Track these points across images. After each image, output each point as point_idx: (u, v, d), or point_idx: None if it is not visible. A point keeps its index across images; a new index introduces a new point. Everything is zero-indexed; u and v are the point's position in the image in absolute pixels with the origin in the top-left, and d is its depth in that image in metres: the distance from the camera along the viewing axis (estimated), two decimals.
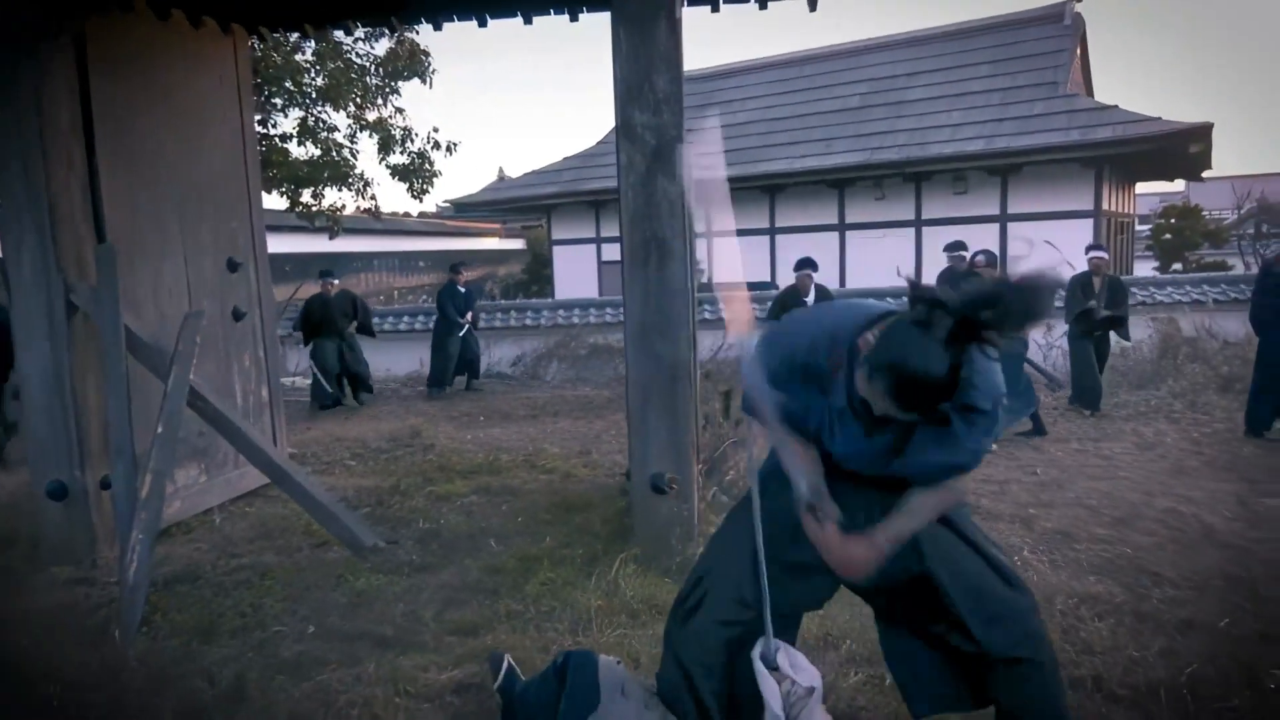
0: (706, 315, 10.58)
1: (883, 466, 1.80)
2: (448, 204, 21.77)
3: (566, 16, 5.08)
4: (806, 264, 7.69)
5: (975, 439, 1.70)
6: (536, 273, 21.43)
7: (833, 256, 14.16)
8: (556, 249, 18.13)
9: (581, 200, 16.95)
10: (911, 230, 14.02)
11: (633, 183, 3.67)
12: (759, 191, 14.92)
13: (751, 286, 2.30)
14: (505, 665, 2.44)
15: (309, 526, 4.51)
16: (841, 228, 14.59)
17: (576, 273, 17.25)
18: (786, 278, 11.00)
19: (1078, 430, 6.69)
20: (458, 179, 79.10)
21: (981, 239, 13.34)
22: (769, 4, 4.75)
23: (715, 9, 4.84)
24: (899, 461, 1.76)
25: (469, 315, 9.85)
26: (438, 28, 5.38)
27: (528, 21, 5.16)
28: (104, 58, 4.31)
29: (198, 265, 4.97)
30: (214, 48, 5.12)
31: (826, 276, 9.91)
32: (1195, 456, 5.76)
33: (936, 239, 12.16)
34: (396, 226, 20.13)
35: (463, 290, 9.93)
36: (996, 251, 8.58)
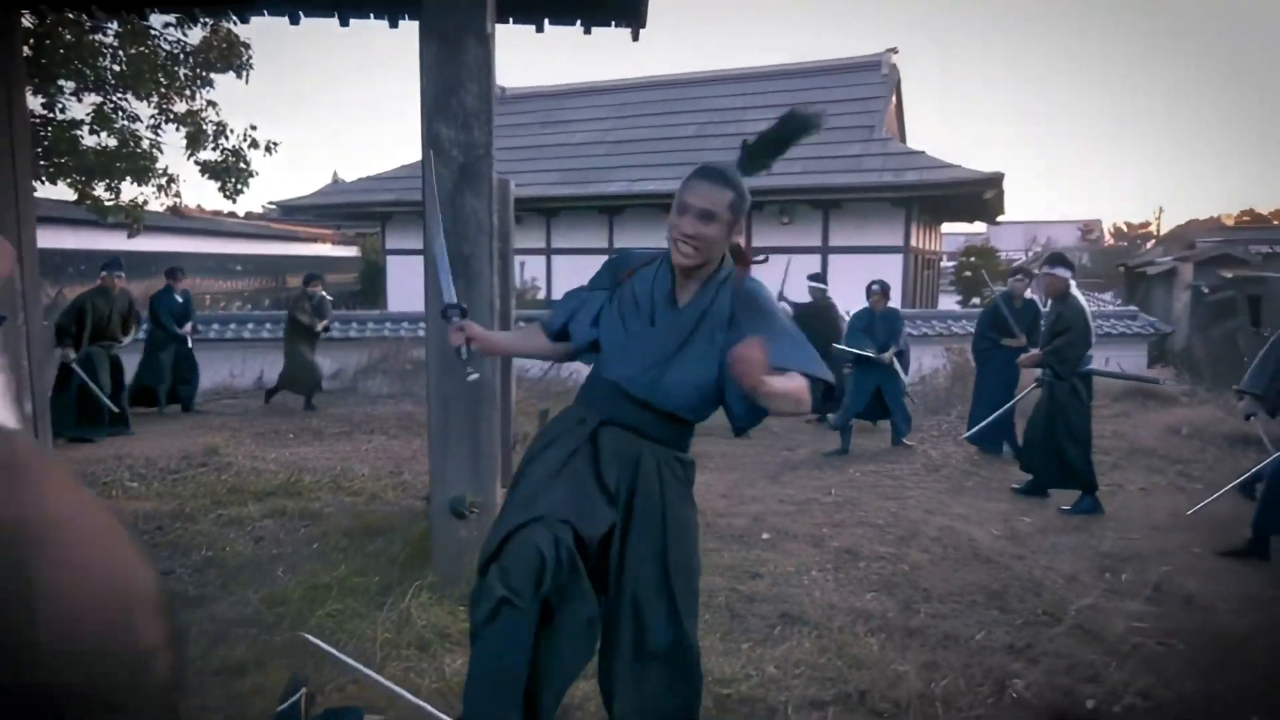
0: None
1: (651, 374, 2.06)
2: (274, 205, 20.60)
3: (386, 22, 4.92)
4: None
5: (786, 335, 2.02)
6: (370, 282, 20.62)
7: None
8: (390, 258, 17.57)
9: (418, 210, 16.41)
10: None
11: (439, 199, 3.58)
12: (597, 212, 15.09)
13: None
14: (299, 697, 2.30)
15: None
16: None
17: (411, 284, 16.73)
18: None
19: (874, 451, 7.14)
20: (289, 181, 75.08)
21: (805, 267, 14.09)
22: (592, 29, 4.79)
23: (540, 29, 4.84)
24: (680, 363, 2.06)
25: (188, 325, 8.89)
26: (244, 20, 5.08)
27: (344, 23, 4.95)
28: None
29: None
30: None
31: None
32: (972, 477, 6.28)
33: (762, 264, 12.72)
34: (213, 227, 18.83)
35: (179, 298, 8.94)
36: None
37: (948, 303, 18.88)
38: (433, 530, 3.79)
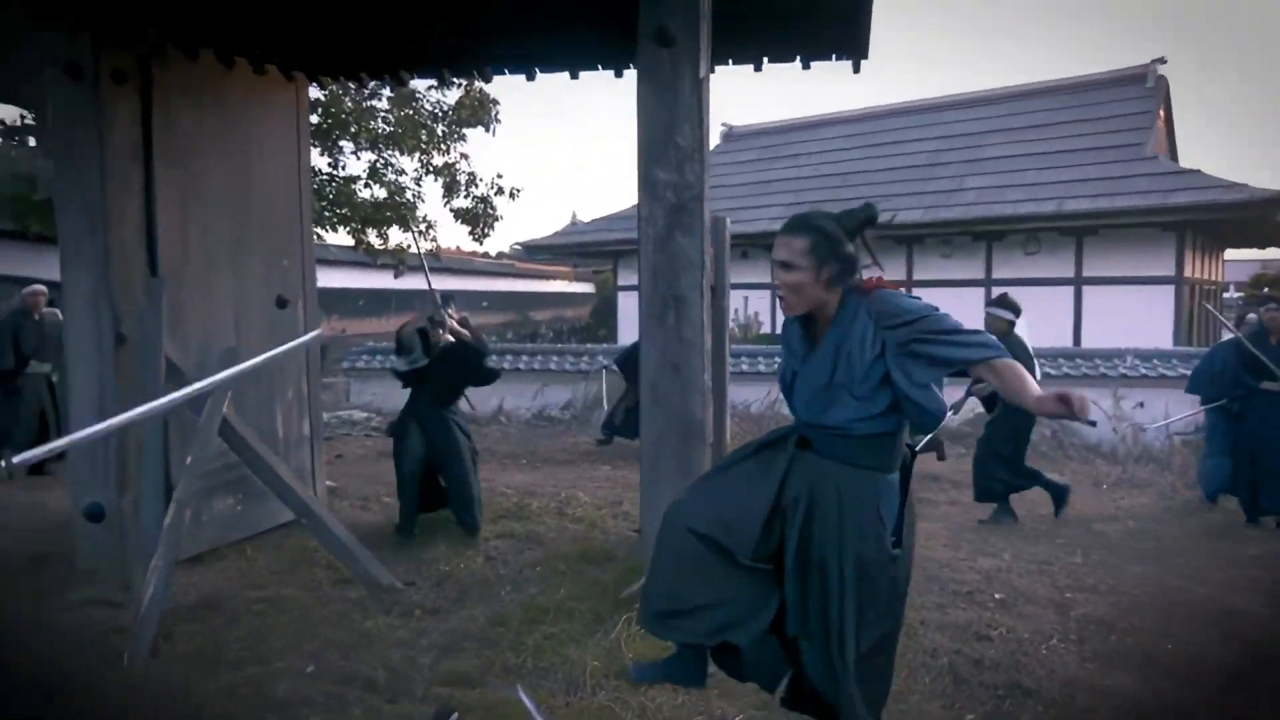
0: (744, 368, 10.56)
1: (820, 406, 2.18)
2: (519, 246, 22.28)
3: (612, 73, 5.18)
4: None
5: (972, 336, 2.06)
6: (604, 317, 21.63)
7: None
8: (622, 295, 18.31)
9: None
10: (980, 289, 13.69)
11: (652, 238, 3.68)
12: None
13: None
14: None
15: (335, 562, 4.56)
16: (909, 284, 14.35)
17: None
18: None
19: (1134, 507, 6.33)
20: (531, 222, 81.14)
21: (1056, 301, 12.89)
22: (811, 64, 4.74)
23: (758, 69, 4.87)
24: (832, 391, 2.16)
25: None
26: (487, 79, 5.55)
27: (574, 76, 5.27)
28: (167, 95, 4.56)
29: (246, 301, 5.16)
30: (276, 92, 5.37)
31: None
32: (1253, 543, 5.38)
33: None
34: (465, 266, 20.62)
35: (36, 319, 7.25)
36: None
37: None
38: (645, 562, 3.83)
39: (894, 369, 2.07)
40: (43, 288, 7.37)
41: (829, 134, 17.45)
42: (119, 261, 4.31)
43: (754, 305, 15.51)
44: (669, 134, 3.55)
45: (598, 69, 5.20)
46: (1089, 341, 12.24)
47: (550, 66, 5.16)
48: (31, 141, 9.96)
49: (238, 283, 5.11)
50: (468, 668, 3.32)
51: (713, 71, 3.85)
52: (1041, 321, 8.75)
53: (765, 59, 4.71)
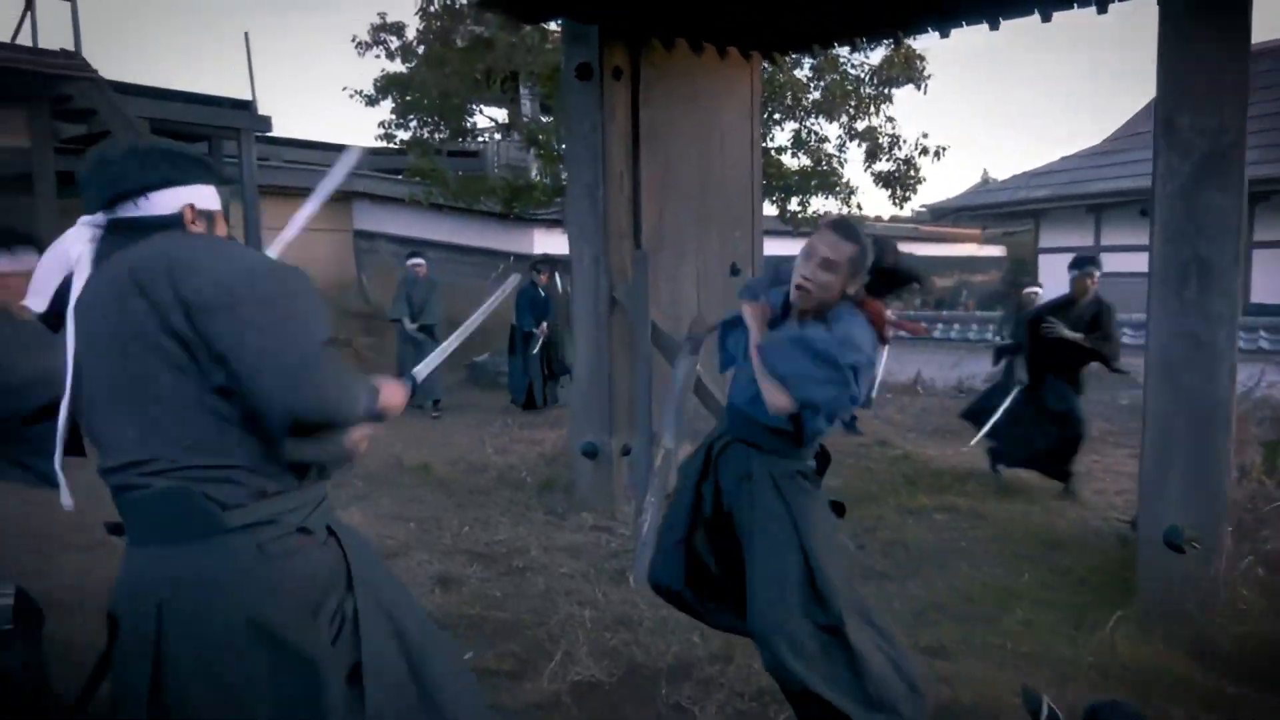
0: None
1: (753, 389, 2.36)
2: (924, 209, 21.31)
3: (1093, 9, 4.63)
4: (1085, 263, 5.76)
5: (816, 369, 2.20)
6: (1016, 283, 19.88)
7: None
8: (1043, 258, 16.64)
9: (1079, 204, 15.30)
10: None
11: (1170, 193, 3.23)
12: None
13: None
14: (1045, 708, 2.40)
15: None
16: None
17: (1065, 284, 15.62)
18: None
19: None
20: (937, 183, 76.70)
21: None
22: None
23: None
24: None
25: (543, 325, 8.59)
26: (945, 35, 5.29)
27: (1045, 19, 4.81)
28: (650, 86, 5.08)
29: (706, 270, 5.60)
30: (736, 72, 5.70)
31: None
32: None
33: None
34: (870, 232, 20.27)
35: (543, 294, 8.74)
36: None
37: None
38: (1140, 559, 3.46)
39: None
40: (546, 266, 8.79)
41: None
42: (614, 236, 4.93)
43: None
44: (1199, 69, 3.07)
45: (1072, 8, 4.69)
46: None
47: (1016, 11, 4.78)
48: (515, 137, 11.83)
49: (700, 253, 5.57)
50: (944, 640, 3.28)
51: None
52: None
53: None
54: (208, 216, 1.64)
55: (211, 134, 12.32)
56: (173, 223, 1.57)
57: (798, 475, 2.40)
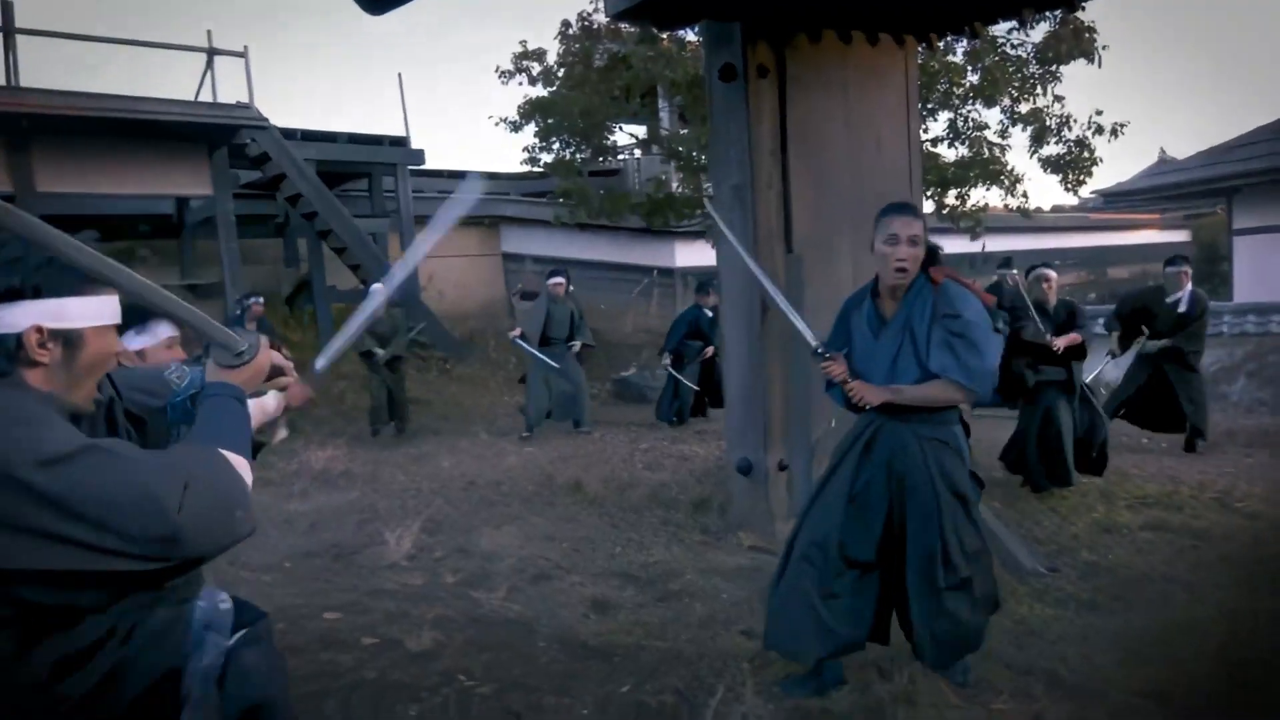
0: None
1: (894, 370, 2.74)
2: (1094, 195, 19.66)
3: None
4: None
5: (969, 357, 2.63)
6: (1207, 269, 17.96)
7: None
8: (1238, 240, 14.95)
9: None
10: None
11: None
12: None
13: None
14: None
15: None
16: None
17: (1269, 269, 13.93)
18: None
19: None
20: (1108, 166, 70.47)
21: None
22: None
23: None
24: (898, 363, 2.73)
25: (708, 349, 8.18)
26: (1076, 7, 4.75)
27: None
28: (797, 83, 4.81)
29: (864, 273, 5.24)
30: (888, 60, 5.32)
31: None
32: None
33: None
34: (1035, 223, 18.95)
35: (709, 314, 8.24)
36: None
37: None
38: None
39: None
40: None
41: None
42: (764, 240, 4.69)
43: None
44: None
45: None
46: None
47: None
48: (655, 151, 11.81)
49: (854, 251, 5.22)
50: (1161, 681, 2.83)
51: None
52: None
53: None
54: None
55: (371, 170, 13.03)
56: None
57: (945, 445, 2.72)
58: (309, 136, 12.05)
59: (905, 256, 2.66)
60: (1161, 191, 17.06)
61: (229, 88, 12.04)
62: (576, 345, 8.06)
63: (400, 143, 12.98)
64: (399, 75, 13.73)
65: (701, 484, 5.73)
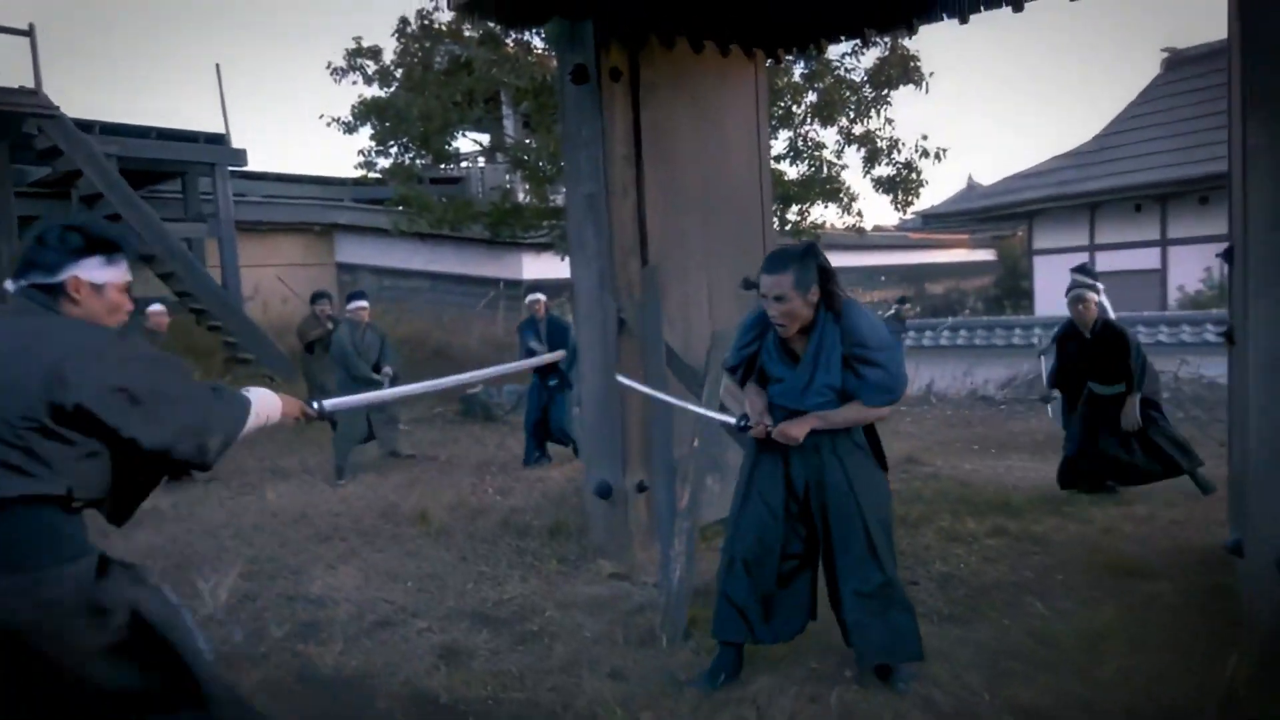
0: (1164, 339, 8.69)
1: (799, 400, 2.85)
2: (914, 215, 21.02)
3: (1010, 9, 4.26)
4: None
5: (875, 376, 2.77)
6: (1010, 286, 19.58)
7: None
8: (1038, 259, 16.38)
9: (1074, 204, 15.10)
10: None
11: (1266, 170, 2.84)
12: None
13: None
14: None
15: None
16: None
17: (1065, 286, 15.30)
18: None
19: None
20: (923, 189, 75.60)
21: None
22: None
23: None
24: (811, 390, 2.83)
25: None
26: (964, 20, 4.92)
27: (1017, 9, 4.46)
28: (651, 88, 4.66)
29: (718, 283, 5.16)
30: (739, 72, 5.30)
31: None
32: None
33: None
34: (863, 242, 20.03)
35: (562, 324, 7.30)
36: None
37: None
38: (1248, 590, 3.02)
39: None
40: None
41: None
42: (619, 252, 4.49)
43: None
44: None
45: None
46: None
47: (990, 4, 4.45)
48: (499, 160, 11.44)
49: (709, 266, 5.13)
50: (1036, 698, 2.82)
51: None
52: None
53: None
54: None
55: (185, 170, 11.89)
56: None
57: (857, 448, 2.89)
58: (111, 130, 10.82)
59: (776, 314, 2.74)
60: (971, 214, 18.47)
61: (11, 70, 10.63)
62: (390, 371, 6.90)
63: (218, 140, 11.93)
64: (217, 66, 12.61)
65: (558, 508, 5.45)
